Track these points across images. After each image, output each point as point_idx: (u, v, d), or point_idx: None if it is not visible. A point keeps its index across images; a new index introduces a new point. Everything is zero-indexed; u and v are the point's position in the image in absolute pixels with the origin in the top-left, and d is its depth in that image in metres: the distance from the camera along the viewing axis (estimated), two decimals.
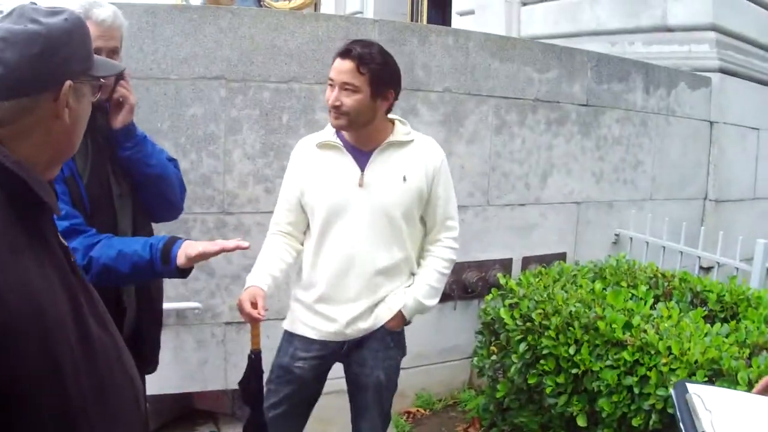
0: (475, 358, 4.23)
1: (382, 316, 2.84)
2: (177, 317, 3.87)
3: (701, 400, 1.52)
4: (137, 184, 2.46)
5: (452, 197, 2.92)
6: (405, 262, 2.86)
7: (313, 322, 2.85)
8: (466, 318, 4.66)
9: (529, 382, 3.66)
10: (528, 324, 3.70)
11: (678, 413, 1.52)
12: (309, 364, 2.88)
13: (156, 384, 3.09)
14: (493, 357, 4.02)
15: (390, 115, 2.82)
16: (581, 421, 3.46)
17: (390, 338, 2.89)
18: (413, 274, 2.91)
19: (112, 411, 1.38)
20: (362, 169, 2.74)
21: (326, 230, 2.77)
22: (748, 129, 6.60)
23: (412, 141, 2.82)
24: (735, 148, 6.44)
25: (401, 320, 2.86)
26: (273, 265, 2.81)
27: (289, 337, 2.93)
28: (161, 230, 2.63)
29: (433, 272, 2.88)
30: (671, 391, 1.66)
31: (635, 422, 3.18)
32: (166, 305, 2.92)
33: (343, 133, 2.77)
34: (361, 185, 2.73)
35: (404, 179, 2.75)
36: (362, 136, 2.75)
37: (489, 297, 4.14)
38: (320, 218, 2.77)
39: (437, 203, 2.85)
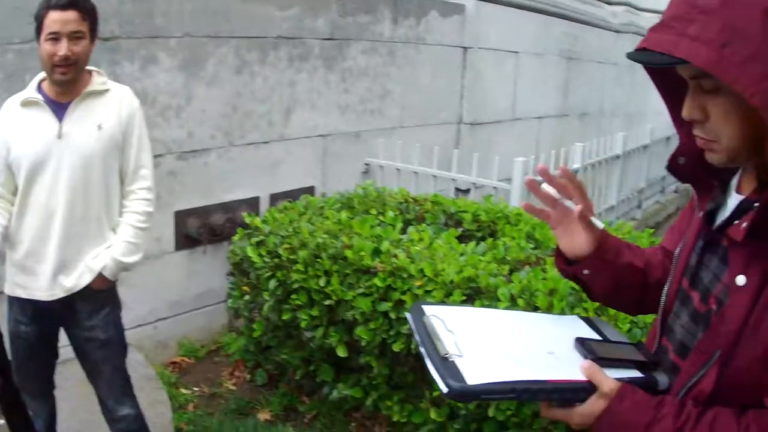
0: (230, 300, 4.18)
1: (85, 276, 2.78)
2: None
3: (441, 321, 1.43)
4: None
5: (146, 147, 2.88)
6: (106, 216, 2.81)
7: (23, 281, 2.79)
8: (217, 261, 4.56)
9: (284, 318, 3.64)
10: (276, 260, 3.66)
11: (418, 338, 1.42)
12: (30, 328, 2.84)
13: None
14: (246, 297, 3.97)
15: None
16: (341, 352, 3.50)
17: (100, 295, 2.85)
18: (114, 229, 2.86)
19: None
20: (60, 121, 2.68)
21: (29, 186, 2.70)
22: (506, 53, 6.91)
23: (108, 90, 2.78)
24: (492, 72, 6.72)
25: (104, 281, 2.81)
26: None
27: (9, 301, 2.86)
28: None
29: (129, 228, 2.83)
30: (407, 315, 1.54)
31: (396, 347, 3.24)
32: None
33: (44, 87, 2.72)
34: (59, 137, 2.67)
35: (99, 128, 2.71)
36: (66, 89, 2.69)
37: (236, 237, 4.06)
38: (23, 174, 2.69)
39: (130, 151, 2.81)
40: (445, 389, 1.24)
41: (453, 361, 1.30)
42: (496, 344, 1.41)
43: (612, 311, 2.89)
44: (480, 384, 1.25)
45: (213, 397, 4.16)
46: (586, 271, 1.62)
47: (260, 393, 4.17)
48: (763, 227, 1.21)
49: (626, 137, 7.32)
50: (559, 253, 1.66)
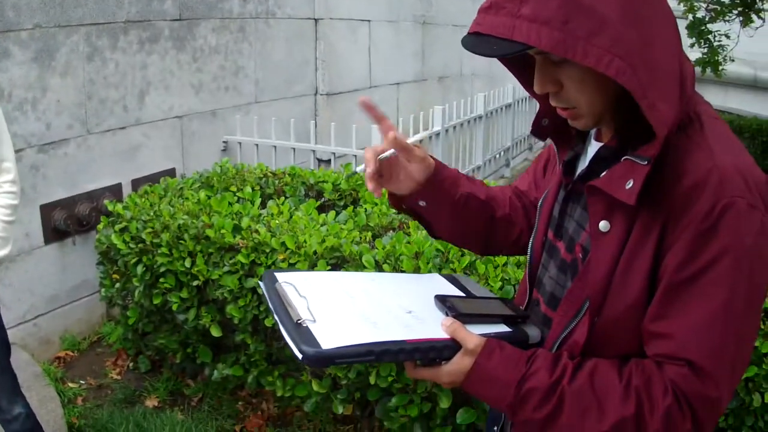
0: (102, 290, 4.12)
1: None
2: None
3: (293, 287, 1.39)
4: None
5: (7, 139, 2.80)
6: None
7: None
8: (87, 252, 4.50)
9: (155, 302, 3.63)
10: (140, 245, 3.64)
11: (271, 306, 1.37)
12: None
13: None
14: (117, 285, 3.93)
15: None
16: (215, 332, 3.51)
17: None
18: None
19: None
20: None
21: None
22: (358, 22, 6.93)
23: None
24: (345, 42, 6.75)
25: None
26: None
27: None
28: None
29: None
30: (259, 283, 1.51)
31: (268, 323, 3.26)
32: None
33: None
34: None
35: None
36: None
37: (100, 226, 4.01)
38: None
39: None
40: (299, 355, 1.20)
41: (306, 327, 1.26)
42: (352, 307, 1.38)
43: (482, 269, 2.90)
44: (335, 348, 1.20)
45: (100, 388, 4.14)
46: (422, 203, 1.56)
47: (145, 380, 4.17)
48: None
49: (487, 97, 7.39)
50: (392, 193, 1.58)
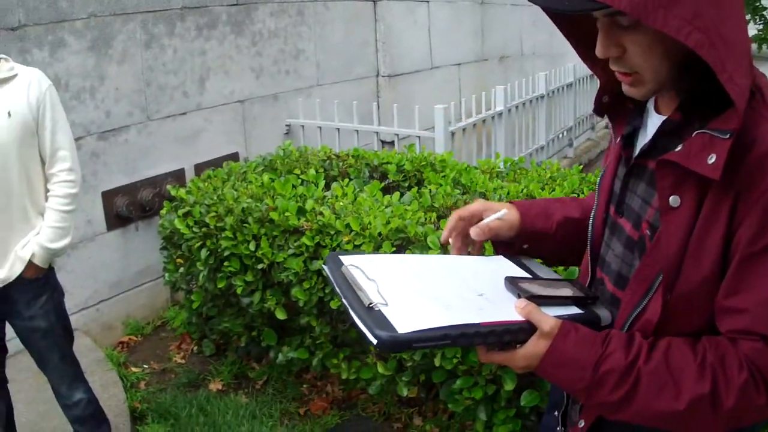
0: (166, 274, 4.15)
1: (16, 266, 2.75)
2: None
3: (361, 270, 1.34)
4: None
5: (62, 127, 2.82)
6: (31, 203, 2.77)
7: None
8: (150, 237, 4.54)
9: (219, 286, 3.64)
10: (204, 229, 3.65)
11: (338, 290, 1.33)
12: None
13: None
14: (181, 270, 3.96)
15: None
16: (280, 315, 3.50)
17: (35, 284, 2.83)
18: (42, 215, 2.82)
19: None
20: None
21: None
22: (416, 2, 6.89)
23: (15, 75, 2.71)
24: (404, 23, 6.70)
25: (36, 268, 2.79)
26: None
27: None
28: None
29: (54, 213, 2.80)
30: (323, 267, 1.43)
31: (334, 305, 3.24)
32: None
33: None
34: None
35: (9, 115, 2.64)
36: None
37: (163, 211, 4.03)
38: None
39: (45, 134, 2.75)
40: (374, 340, 1.16)
41: (379, 310, 1.21)
42: (422, 290, 1.33)
43: None
44: (411, 332, 1.16)
45: (163, 372, 4.18)
46: (525, 246, 1.59)
47: (209, 364, 4.19)
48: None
49: (549, 76, 7.32)
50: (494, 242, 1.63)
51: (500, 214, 1.54)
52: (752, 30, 8.37)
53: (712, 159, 1.13)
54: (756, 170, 1.14)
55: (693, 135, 1.19)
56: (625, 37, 1.20)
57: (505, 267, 1.53)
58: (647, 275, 1.26)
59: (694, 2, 1.09)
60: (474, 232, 1.52)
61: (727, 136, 1.13)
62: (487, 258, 1.62)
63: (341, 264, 1.38)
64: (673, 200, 1.20)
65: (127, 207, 4.36)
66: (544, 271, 1.54)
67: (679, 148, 1.20)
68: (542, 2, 1.18)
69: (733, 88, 1.11)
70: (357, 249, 3.16)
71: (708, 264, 1.19)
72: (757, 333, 1.16)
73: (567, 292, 1.40)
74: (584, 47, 1.36)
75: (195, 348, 4.36)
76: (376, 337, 1.16)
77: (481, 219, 1.55)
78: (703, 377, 1.17)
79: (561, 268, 2.74)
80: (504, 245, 1.62)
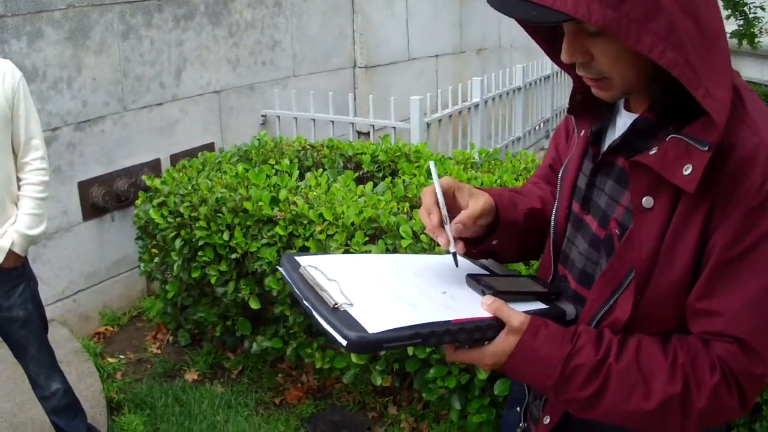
0: (142, 265, 4.15)
1: None
2: None
3: (320, 271, 1.29)
4: None
5: (34, 116, 2.84)
6: (7, 193, 2.78)
7: None
8: (126, 227, 4.55)
9: (194, 276, 3.65)
10: (178, 219, 3.65)
11: (297, 292, 1.28)
12: None
13: None
14: (156, 260, 3.96)
15: None
16: (254, 304, 3.53)
17: (13, 274, 2.85)
18: (16, 204, 2.84)
19: None
20: None
21: None
22: None
23: None
24: (382, 14, 6.70)
25: (16, 257, 2.81)
26: None
27: None
28: None
29: (30, 200, 2.82)
30: (279, 269, 1.39)
31: None
32: None
33: None
34: None
35: None
36: None
37: (139, 201, 4.03)
38: None
39: (19, 123, 2.77)
40: (343, 342, 1.12)
41: (345, 311, 1.17)
42: (386, 290, 1.30)
43: None
44: (381, 332, 1.13)
45: (140, 362, 4.19)
46: (495, 242, 1.50)
47: (185, 354, 4.20)
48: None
49: (526, 69, 7.30)
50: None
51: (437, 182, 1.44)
52: (733, 26, 8.40)
53: (688, 170, 1.11)
54: (735, 176, 1.12)
55: (668, 139, 1.17)
56: (592, 44, 1.16)
57: (461, 264, 1.46)
58: (616, 275, 1.25)
59: (668, 14, 1.05)
60: (457, 228, 1.38)
61: (706, 148, 1.10)
62: (442, 256, 1.57)
63: (298, 265, 1.33)
64: (646, 201, 1.18)
65: (103, 197, 4.36)
66: (498, 268, 1.53)
67: (654, 150, 1.17)
68: (509, 13, 1.13)
69: (710, 103, 1.09)
70: (330, 238, 3.18)
71: (680, 267, 1.18)
72: (731, 336, 1.15)
73: (530, 287, 1.39)
74: (556, 51, 1.30)
75: (171, 338, 4.37)
76: (345, 338, 1.12)
77: (453, 197, 1.45)
78: (674, 378, 1.17)
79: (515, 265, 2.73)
80: (473, 243, 1.52)
